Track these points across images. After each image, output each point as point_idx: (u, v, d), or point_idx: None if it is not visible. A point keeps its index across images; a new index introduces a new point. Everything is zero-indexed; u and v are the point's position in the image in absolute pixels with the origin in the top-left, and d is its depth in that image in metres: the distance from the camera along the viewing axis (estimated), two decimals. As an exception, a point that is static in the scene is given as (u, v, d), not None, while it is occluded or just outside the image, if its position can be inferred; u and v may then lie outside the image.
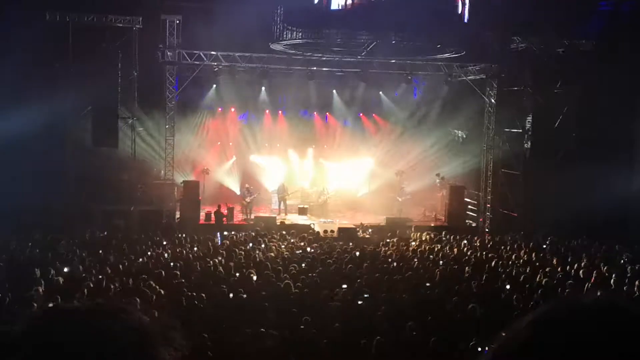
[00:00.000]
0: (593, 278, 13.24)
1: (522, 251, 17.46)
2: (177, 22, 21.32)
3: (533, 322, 0.96)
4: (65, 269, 13.51)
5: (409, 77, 24.13)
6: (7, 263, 14.05)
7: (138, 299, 9.94)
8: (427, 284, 12.81)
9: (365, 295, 11.36)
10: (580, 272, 13.95)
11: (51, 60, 20.89)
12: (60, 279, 12.32)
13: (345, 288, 12.12)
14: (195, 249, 17.07)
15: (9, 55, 19.69)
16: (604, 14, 22.56)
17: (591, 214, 19.57)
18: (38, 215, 18.80)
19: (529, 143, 23.51)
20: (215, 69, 23.10)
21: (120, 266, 13.93)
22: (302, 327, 9.49)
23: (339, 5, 17.77)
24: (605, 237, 18.79)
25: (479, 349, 7.62)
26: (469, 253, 16.97)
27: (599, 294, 1.00)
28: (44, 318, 0.95)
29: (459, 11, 18.54)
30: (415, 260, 15.70)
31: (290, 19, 19.14)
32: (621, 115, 20.69)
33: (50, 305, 0.99)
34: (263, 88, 25.64)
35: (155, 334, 0.99)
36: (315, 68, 23.39)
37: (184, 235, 19.07)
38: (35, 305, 10.18)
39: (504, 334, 0.98)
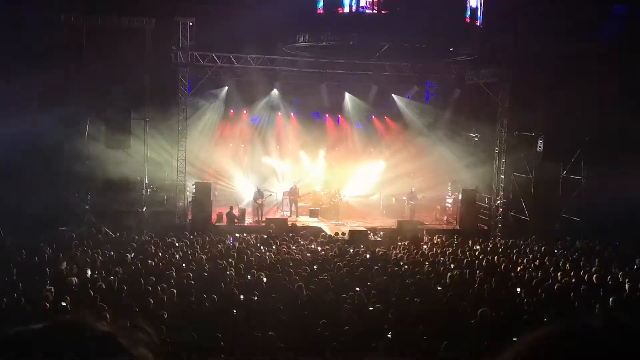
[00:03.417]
0: (606, 283, 13.16)
1: (534, 255, 17.36)
2: (190, 24, 21.40)
3: (533, 346, 0.92)
4: (81, 270, 13.56)
5: (422, 80, 24.06)
6: (20, 263, 14.14)
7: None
8: (438, 288, 12.77)
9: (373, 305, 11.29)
10: (594, 277, 13.83)
11: (65, 61, 21.07)
12: (74, 280, 12.37)
13: (358, 291, 12.10)
14: (207, 250, 17.09)
15: (24, 56, 19.89)
16: (618, 18, 22.40)
17: (604, 218, 19.44)
18: (50, 215, 18.93)
19: (542, 147, 23.37)
20: (228, 71, 23.16)
21: (132, 267, 13.98)
22: (312, 329, 9.49)
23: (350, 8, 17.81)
24: (619, 240, 18.65)
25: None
26: (480, 257, 16.88)
27: (604, 313, 0.94)
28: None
29: (473, 14, 18.49)
30: (427, 263, 15.65)
31: (303, 22, 19.19)
32: (634, 119, 20.50)
33: (12, 330, 0.99)
34: (275, 90, 25.67)
35: (121, 337, 1.00)
36: (327, 70, 23.35)
37: (195, 236, 19.11)
38: (47, 305, 10.26)
39: (505, 354, 0.94)
